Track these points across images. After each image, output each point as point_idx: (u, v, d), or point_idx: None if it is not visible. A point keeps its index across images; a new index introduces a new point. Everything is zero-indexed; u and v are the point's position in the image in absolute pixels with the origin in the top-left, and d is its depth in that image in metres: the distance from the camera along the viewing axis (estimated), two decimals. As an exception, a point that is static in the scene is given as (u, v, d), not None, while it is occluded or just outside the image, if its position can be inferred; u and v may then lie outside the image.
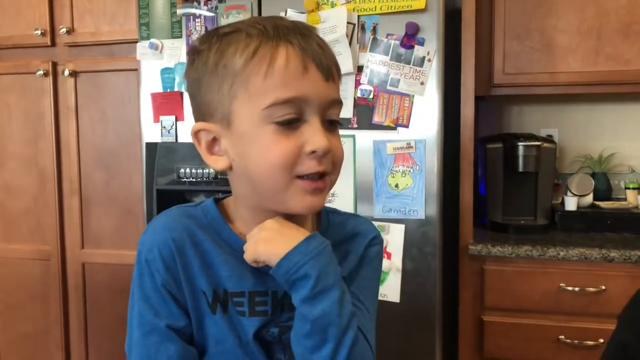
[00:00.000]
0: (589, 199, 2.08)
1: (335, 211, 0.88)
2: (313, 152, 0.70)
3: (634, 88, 1.94)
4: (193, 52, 0.76)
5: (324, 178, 0.73)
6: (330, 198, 1.76)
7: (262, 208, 0.76)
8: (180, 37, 1.90)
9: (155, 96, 1.94)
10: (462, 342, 1.85)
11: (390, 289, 1.74)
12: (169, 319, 0.74)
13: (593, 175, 2.15)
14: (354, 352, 0.70)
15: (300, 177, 0.71)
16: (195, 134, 0.75)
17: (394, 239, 1.74)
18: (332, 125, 0.74)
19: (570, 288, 1.73)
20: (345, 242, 0.83)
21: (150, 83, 1.94)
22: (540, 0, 1.96)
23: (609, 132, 2.26)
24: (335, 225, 0.85)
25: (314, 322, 0.69)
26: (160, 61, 1.92)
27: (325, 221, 0.85)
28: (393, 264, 1.74)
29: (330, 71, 0.73)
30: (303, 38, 0.72)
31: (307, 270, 0.69)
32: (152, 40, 1.92)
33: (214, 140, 0.75)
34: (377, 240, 0.86)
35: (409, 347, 1.76)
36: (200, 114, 0.76)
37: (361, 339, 0.73)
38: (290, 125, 0.70)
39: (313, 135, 0.70)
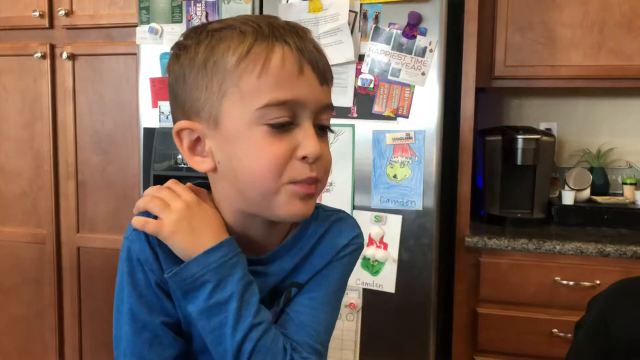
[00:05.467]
0: (586, 193, 2.08)
1: (320, 205, 0.84)
2: (304, 157, 0.68)
3: (635, 83, 1.94)
4: (178, 47, 0.72)
5: (316, 184, 0.71)
6: (328, 187, 1.76)
7: (245, 212, 0.73)
8: (181, 22, 1.88)
9: (154, 81, 1.92)
10: (456, 333, 1.86)
11: (386, 280, 1.75)
12: (163, 316, 0.73)
13: (591, 169, 2.15)
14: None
15: (291, 182, 0.69)
16: (178, 133, 0.72)
17: (391, 229, 1.74)
18: (322, 130, 0.72)
19: (565, 282, 1.74)
20: (325, 238, 0.81)
21: (149, 68, 1.92)
22: (544, -7, 1.95)
23: (608, 127, 2.26)
24: (319, 218, 0.82)
25: (211, 333, 0.70)
26: (159, 46, 1.90)
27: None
28: (389, 254, 1.74)
29: (325, 75, 0.71)
30: (299, 38, 0.69)
31: (203, 282, 0.69)
32: (152, 24, 1.90)
33: (197, 141, 0.72)
34: (356, 240, 0.83)
35: (403, 338, 1.77)
36: (183, 112, 0.72)
37: (264, 345, 0.70)
38: (283, 128, 0.68)
39: (305, 140, 0.68)
